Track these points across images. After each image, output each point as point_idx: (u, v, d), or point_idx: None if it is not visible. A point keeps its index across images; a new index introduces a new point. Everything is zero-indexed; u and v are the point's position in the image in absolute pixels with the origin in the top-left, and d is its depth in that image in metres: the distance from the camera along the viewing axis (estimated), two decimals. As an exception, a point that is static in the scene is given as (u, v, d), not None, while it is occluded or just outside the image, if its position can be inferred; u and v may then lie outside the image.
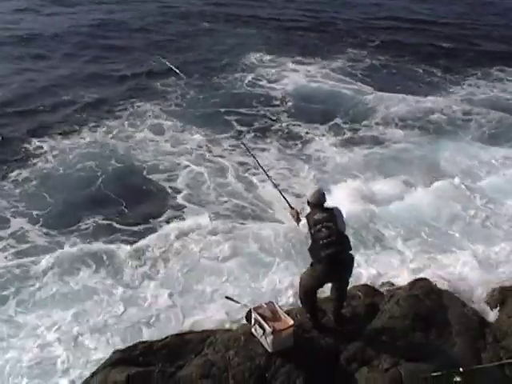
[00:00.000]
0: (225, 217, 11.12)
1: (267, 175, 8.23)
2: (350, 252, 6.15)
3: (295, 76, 19.99)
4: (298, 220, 6.39)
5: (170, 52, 21.69)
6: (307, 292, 6.33)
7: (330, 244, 5.92)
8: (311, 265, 6.14)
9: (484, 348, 6.46)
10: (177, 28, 25.86)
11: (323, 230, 5.97)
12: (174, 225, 10.69)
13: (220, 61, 21.22)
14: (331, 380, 5.99)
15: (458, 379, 5.67)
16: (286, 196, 7.05)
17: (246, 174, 12.74)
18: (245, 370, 5.94)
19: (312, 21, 28.39)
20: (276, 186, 7.74)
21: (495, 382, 5.95)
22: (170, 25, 26.48)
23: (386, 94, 18.41)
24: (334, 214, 6.12)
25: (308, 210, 6.35)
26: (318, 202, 6.18)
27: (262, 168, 8.20)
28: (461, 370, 5.71)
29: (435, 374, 5.75)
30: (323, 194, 6.27)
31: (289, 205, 6.69)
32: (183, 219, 11.00)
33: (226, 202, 11.77)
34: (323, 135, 15.25)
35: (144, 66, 20.09)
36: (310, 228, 6.01)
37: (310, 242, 6.04)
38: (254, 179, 12.46)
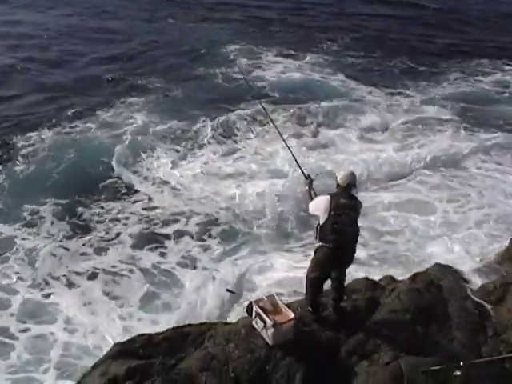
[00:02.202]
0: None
1: (284, 141, 7.85)
2: (355, 243, 6.14)
3: (271, 69, 19.98)
4: (310, 192, 6.32)
5: (136, 52, 21.22)
6: (314, 272, 6.23)
7: (341, 232, 5.89)
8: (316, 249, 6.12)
9: (484, 342, 6.46)
10: (138, 26, 24.60)
11: (343, 216, 5.88)
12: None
13: (193, 56, 21.09)
14: (331, 373, 6.00)
15: (457, 373, 5.65)
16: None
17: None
18: (245, 363, 5.95)
19: (283, 15, 27.66)
20: (292, 152, 7.36)
21: (495, 376, 5.93)
22: (130, 23, 25.01)
23: (360, 88, 18.62)
24: (357, 204, 6.05)
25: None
26: (347, 186, 6.02)
27: (280, 134, 8.07)
28: (461, 363, 5.70)
29: (435, 367, 5.74)
30: (354, 178, 6.09)
31: (303, 173, 6.60)
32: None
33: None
34: (291, 135, 15.08)
35: (112, 64, 19.92)
36: (329, 208, 5.88)
37: (322, 219, 5.95)
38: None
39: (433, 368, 5.76)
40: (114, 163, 13.46)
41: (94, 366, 6.31)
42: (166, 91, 17.72)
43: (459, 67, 20.96)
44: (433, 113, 16.81)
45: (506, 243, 9.56)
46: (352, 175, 6.10)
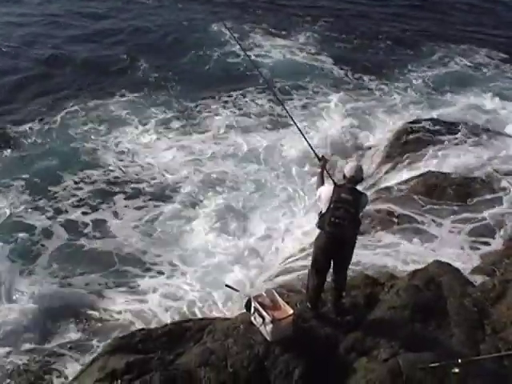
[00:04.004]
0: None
1: (295, 123, 7.66)
2: (355, 237, 6.18)
3: (260, 51, 20.05)
4: (322, 174, 6.26)
5: (119, 38, 20.65)
6: (315, 260, 6.27)
7: (339, 225, 5.89)
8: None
9: (483, 339, 6.45)
10: (113, 10, 23.43)
11: (341, 210, 5.86)
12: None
13: (179, 37, 20.85)
14: (330, 370, 6.00)
15: (456, 370, 5.66)
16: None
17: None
18: (244, 359, 5.95)
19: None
20: (303, 134, 7.19)
21: (493, 374, 5.94)
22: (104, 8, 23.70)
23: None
24: (359, 200, 5.99)
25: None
26: (351, 178, 5.96)
27: (291, 116, 7.95)
28: (459, 360, 5.71)
29: (434, 364, 5.74)
30: (361, 172, 6.03)
31: (316, 155, 6.47)
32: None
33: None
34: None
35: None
36: (330, 200, 5.88)
37: (323, 209, 5.97)
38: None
39: (431, 365, 5.76)
40: (94, 146, 14.12)
41: (93, 361, 6.34)
42: (154, 73, 17.84)
43: (439, 50, 21.22)
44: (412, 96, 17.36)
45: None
46: (358, 169, 6.03)
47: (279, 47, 20.33)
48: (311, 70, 18.83)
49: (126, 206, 12.06)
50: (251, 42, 20.60)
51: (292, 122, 7.82)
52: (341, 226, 5.90)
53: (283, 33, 21.63)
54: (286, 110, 8.27)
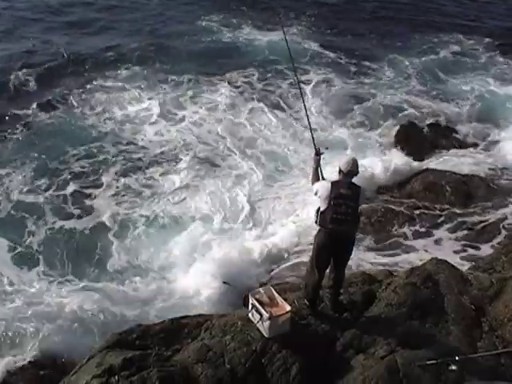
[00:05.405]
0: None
1: (306, 111, 7.76)
2: (354, 233, 6.22)
3: (252, 41, 20.24)
4: (317, 170, 6.26)
5: (102, 35, 20.46)
6: (316, 257, 6.27)
7: (341, 221, 5.91)
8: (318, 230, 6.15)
9: (480, 337, 6.46)
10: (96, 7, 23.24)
11: (343, 206, 5.88)
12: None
13: (172, 29, 21.05)
14: (327, 366, 6.00)
15: (453, 367, 5.69)
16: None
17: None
18: (241, 355, 5.95)
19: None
20: (310, 124, 7.34)
21: (490, 371, 5.95)
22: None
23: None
24: (358, 194, 6.02)
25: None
26: (348, 173, 5.98)
27: (304, 104, 8.08)
28: (456, 358, 5.73)
29: (431, 361, 5.76)
30: (357, 166, 6.02)
31: (314, 147, 6.46)
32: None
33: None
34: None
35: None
36: (329, 197, 5.88)
37: (322, 206, 5.96)
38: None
39: (428, 362, 5.78)
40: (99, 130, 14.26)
41: (90, 357, 6.30)
42: (152, 63, 17.94)
43: (429, 39, 21.33)
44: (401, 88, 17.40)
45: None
46: (354, 162, 6.03)
47: (268, 37, 20.29)
48: (298, 60, 18.63)
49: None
50: (239, 35, 20.76)
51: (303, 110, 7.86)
52: (344, 222, 5.92)
53: (270, 26, 21.40)
54: (303, 102, 8.30)
